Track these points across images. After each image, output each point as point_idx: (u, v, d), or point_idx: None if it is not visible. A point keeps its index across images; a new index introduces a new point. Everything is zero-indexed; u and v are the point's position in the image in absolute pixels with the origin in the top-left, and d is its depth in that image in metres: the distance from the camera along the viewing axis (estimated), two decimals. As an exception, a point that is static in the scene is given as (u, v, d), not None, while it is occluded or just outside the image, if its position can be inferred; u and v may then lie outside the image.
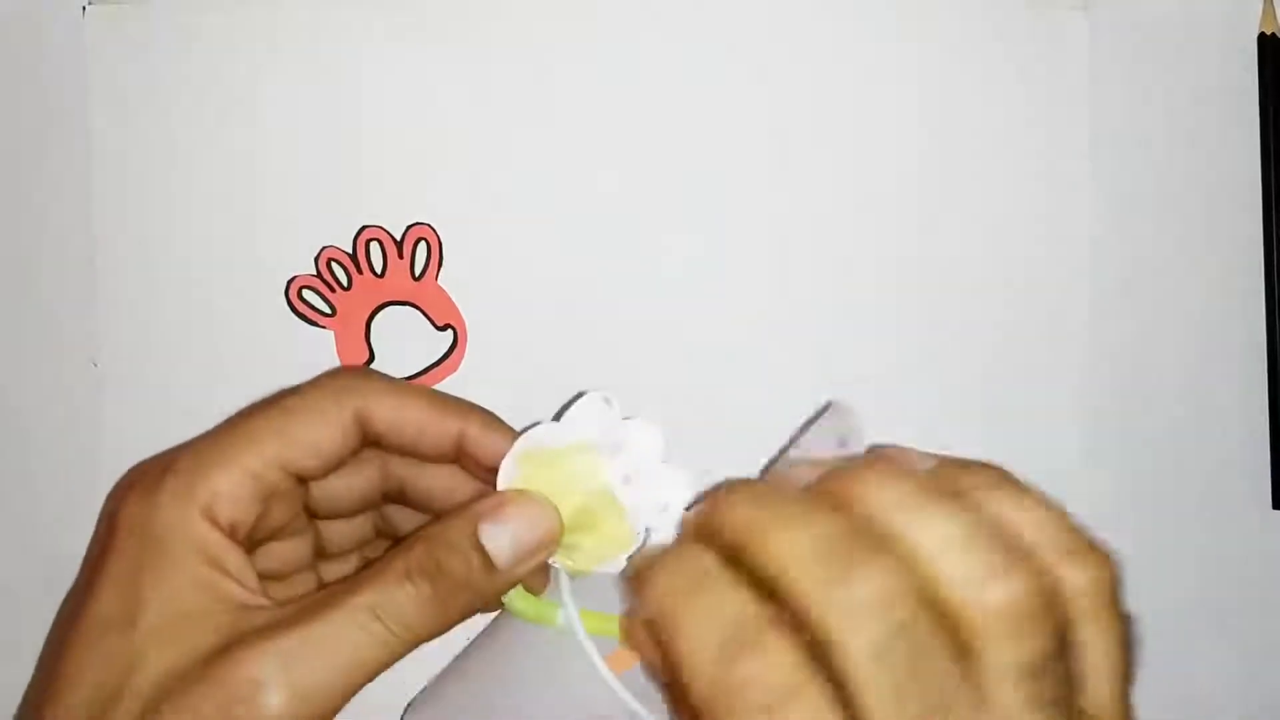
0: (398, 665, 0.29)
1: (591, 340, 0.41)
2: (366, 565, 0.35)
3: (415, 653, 0.30)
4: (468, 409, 0.33)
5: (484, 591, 0.30)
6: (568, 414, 0.31)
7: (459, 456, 0.33)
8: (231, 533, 0.30)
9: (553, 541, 0.31)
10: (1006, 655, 0.23)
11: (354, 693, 0.28)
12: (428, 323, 0.41)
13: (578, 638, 0.31)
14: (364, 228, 0.41)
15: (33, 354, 0.41)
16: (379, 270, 0.41)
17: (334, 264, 0.41)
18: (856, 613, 0.23)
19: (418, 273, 0.41)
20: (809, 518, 0.24)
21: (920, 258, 0.42)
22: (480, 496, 0.31)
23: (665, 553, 0.26)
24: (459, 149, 0.41)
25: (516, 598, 0.32)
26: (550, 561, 0.32)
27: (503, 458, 0.31)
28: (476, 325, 0.41)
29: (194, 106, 0.41)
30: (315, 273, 0.41)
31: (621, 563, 0.32)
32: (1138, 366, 0.42)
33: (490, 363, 0.41)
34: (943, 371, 0.41)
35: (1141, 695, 0.42)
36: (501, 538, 0.30)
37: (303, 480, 0.32)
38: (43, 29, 0.41)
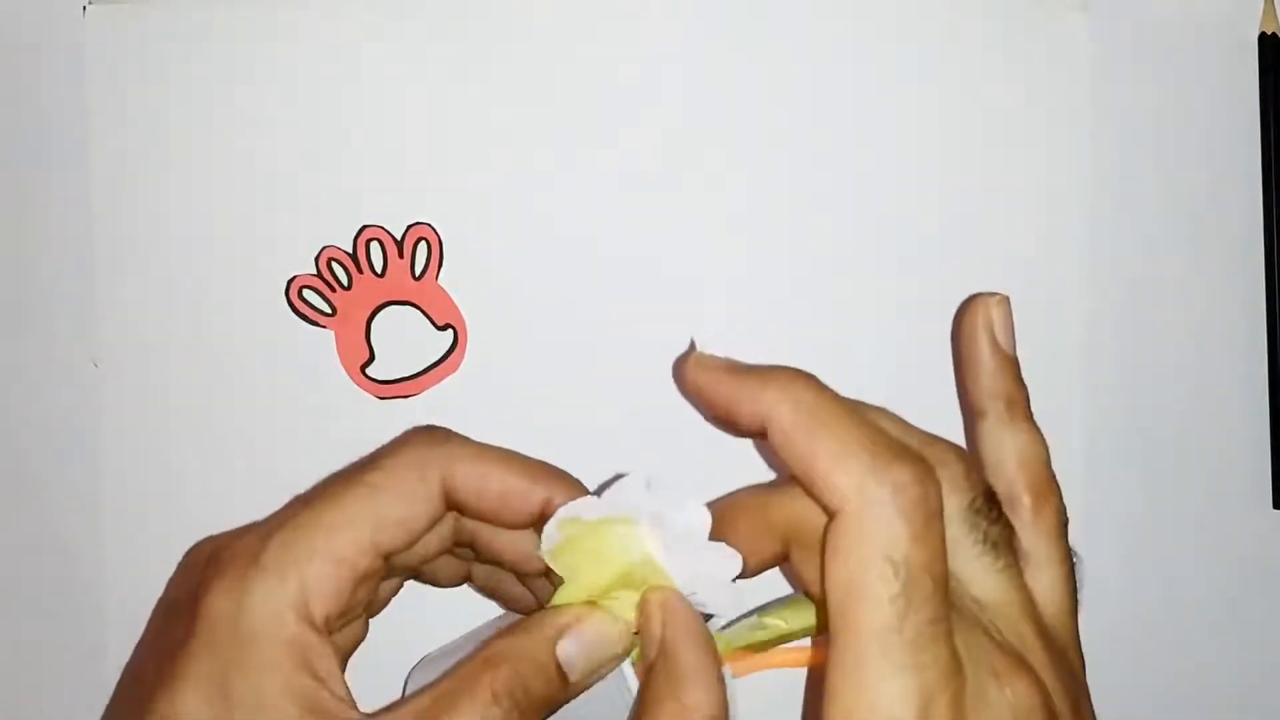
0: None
1: (592, 340, 0.41)
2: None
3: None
4: (552, 476, 0.33)
5: (559, 702, 0.30)
6: (608, 491, 0.31)
7: (539, 523, 0.32)
8: (324, 626, 0.29)
9: (625, 653, 0.31)
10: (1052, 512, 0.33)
11: None
12: (428, 322, 0.41)
13: (624, 668, 0.31)
14: (364, 227, 0.41)
15: (33, 354, 0.41)
16: (379, 270, 0.41)
17: (334, 264, 0.41)
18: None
19: (418, 272, 0.41)
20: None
21: (919, 258, 0.42)
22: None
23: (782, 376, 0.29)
24: (459, 149, 0.41)
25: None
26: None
27: None
28: (476, 325, 0.41)
29: (194, 106, 0.41)
30: (315, 272, 0.41)
31: None
32: (1138, 366, 0.42)
33: (490, 363, 0.41)
34: (942, 372, 0.41)
35: (1141, 695, 0.42)
36: (574, 650, 0.30)
37: (389, 556, 0.31)
38: (42, 28, 0.41)
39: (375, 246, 0.41)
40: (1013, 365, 0.34)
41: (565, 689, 0.30)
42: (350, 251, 0.41)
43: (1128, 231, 0.42)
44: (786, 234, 0.42)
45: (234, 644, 0.28)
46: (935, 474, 0.28)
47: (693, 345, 0.32)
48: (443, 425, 0.33)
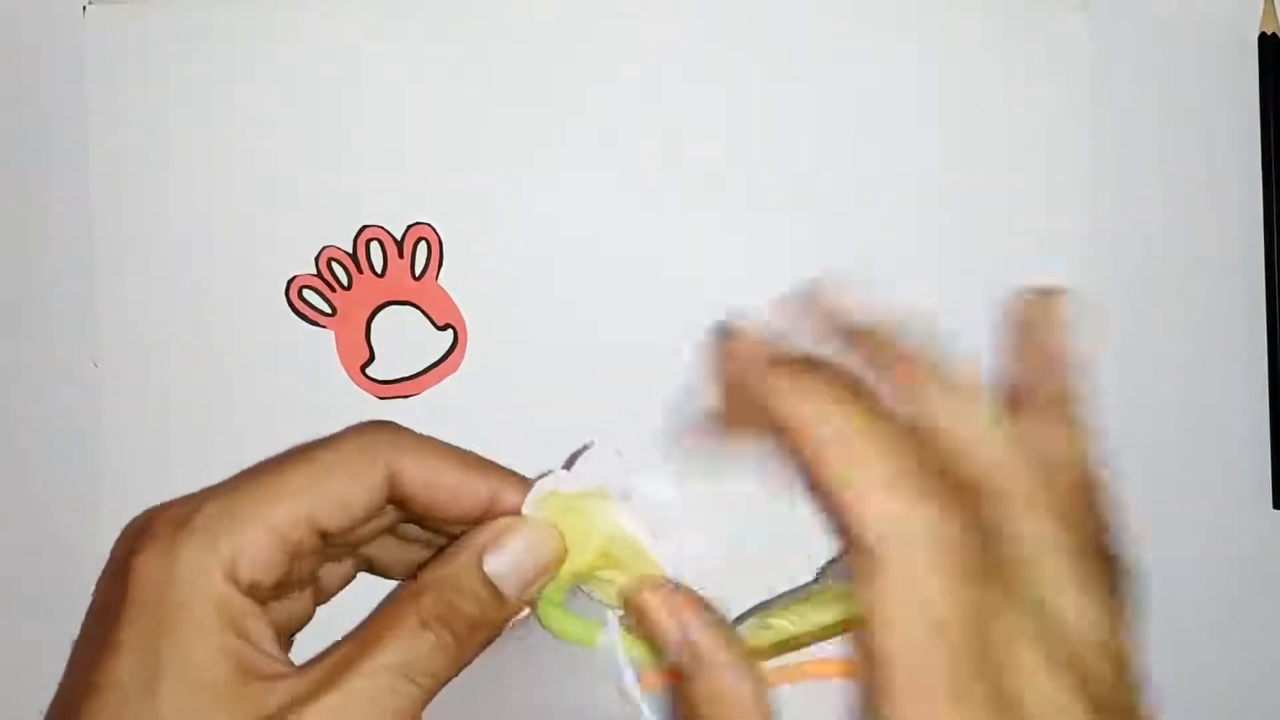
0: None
1: (592, 340, 0.41)
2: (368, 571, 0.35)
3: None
4: (500, 473, 0.32)
5: (497, 623, 0.30)
6: (578, 462, 0.31)
7: (485, 518, 0.32)
8: (251, 592, 0.29)
9: (557, 561, 0.30)
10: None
11: None
12: (428, 322, 0.41)
13: (615, 658, 0.31)
14: (364, 227, 0.41)
15: (33, 354, 0.41)
16: (379, 270, 0.41)
17: (334, 263, 0.41)
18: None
19: (418, 272, 0.41)
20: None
21: (920, 258, 0.42)
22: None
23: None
24: (459, 149, 0.41)
25: (556, 616, 0.31)
26: (585, 590, 0.31)
27: None
28: (476, 325, 0.41)
29: (194, 106, 0.41)
30: (315, 272, 0.41)
31: None
32: (1138, 366, 0.42)
33: (490, 363, 0.41)
34: (943, 371, 0.41)
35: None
36: (505, 566, 0.30)
37: (325, 535, 0.31)
38: (42, 28, 0.41)
39: (375, 246, 0.41)
40: (1063, 363, 0.32)
41: (502, 608, 0.30)
42: (350, 251, 0.41)
43: (1128, 231, 0.42)
44: (786, 234, 0.42)
45: (163, 607, 0.28)
46: (976, 508, 0.27)
47: (730, 329, 0.31)
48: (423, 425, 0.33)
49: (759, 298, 0.42)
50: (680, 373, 0.41)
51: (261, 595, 0.29)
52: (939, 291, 0.41)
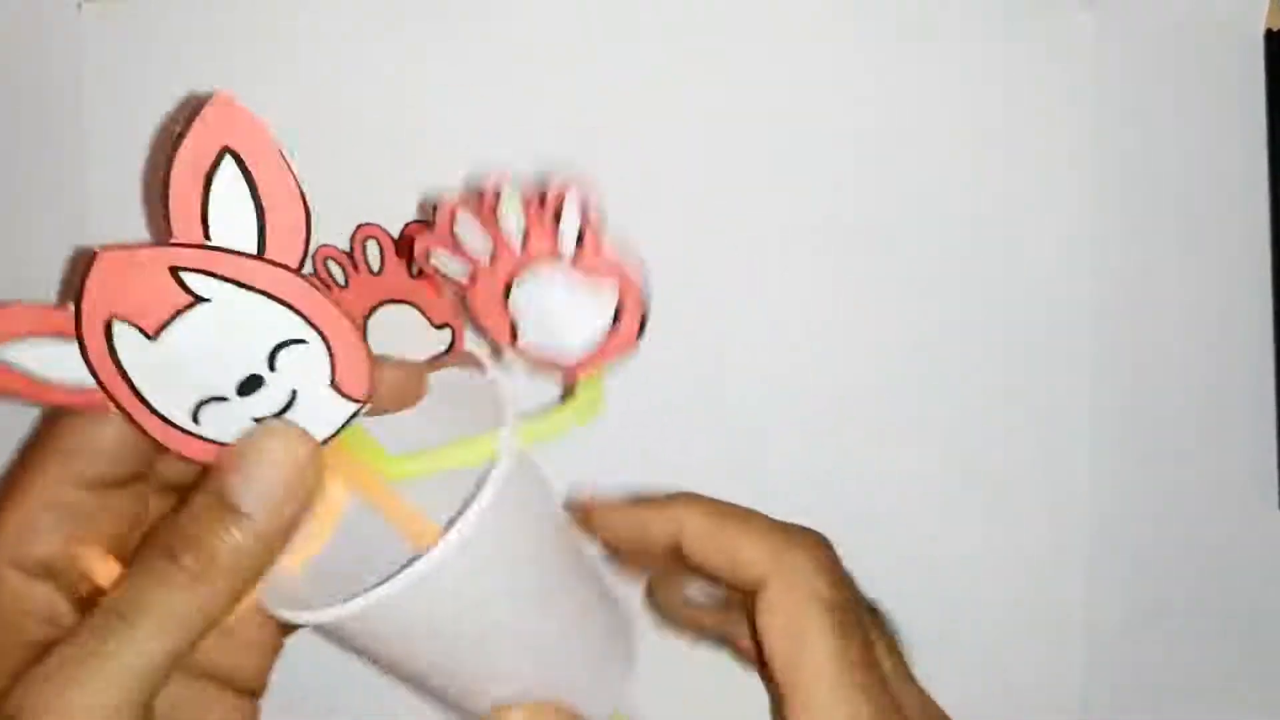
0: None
1: (590, 339, 0.41)
2: None
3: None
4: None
5: (257, 554, 0.27)
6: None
7: None
8: (47, 571, 0.28)
9: (307, 468, 0.28)
10: None
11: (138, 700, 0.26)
12: (425, 321, 0.41)
13: None
14: (361, 226, 0.41)
15: (29, 353, 0.41)
16: (376, 269, 0.41)
17: (331, 263, 0.41)
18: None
19: (415, 271, 0.41)
20: None
21: (922, 258, 0.41)
22: None
23: None
24: (458, 148, 0.41)
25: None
26: None
27: None
28: (474, 324, 0.41)
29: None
30: (312, 271, 0.41)
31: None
32: (1142, 366, 0.42)
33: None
34: (944, 373, 0.41)
35: (1143, 694, 0.42)
36: (246, 491, 0.27)
37: (121, 483, 0.29)
38: (38, 26, 0.41)
39: (372, 245, 0.41)
40: None
41: (256, 536, 0.27)
42: (347, 250, 0.41)
43: (1132, 230, 0.42)
44: (787, 234, 0.41)
45: None
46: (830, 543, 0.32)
47: (587, 504, 0.34)
48: None
49: (759, 298, 0.42)
50: (680, 371, 0.41)
51: (68, 558, 0.28)
52: (940, 291, 0.41)
